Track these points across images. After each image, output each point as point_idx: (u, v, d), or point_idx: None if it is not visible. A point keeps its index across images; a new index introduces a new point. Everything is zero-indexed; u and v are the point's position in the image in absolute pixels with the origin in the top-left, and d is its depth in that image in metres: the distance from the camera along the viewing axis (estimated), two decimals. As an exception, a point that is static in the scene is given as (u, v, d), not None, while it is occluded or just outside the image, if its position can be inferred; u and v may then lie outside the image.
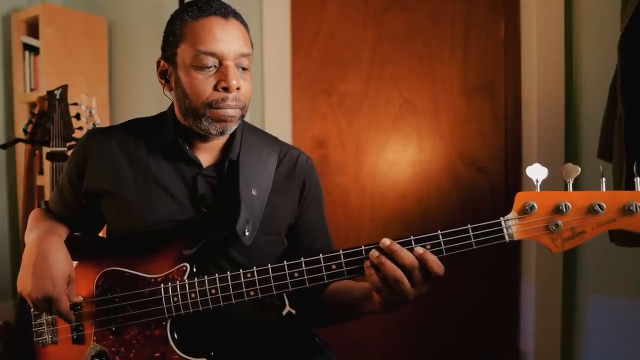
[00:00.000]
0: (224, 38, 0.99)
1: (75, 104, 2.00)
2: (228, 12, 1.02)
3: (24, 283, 0.99)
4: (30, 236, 1.07)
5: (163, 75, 1.08)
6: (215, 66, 1.00)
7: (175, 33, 1.03)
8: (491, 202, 2.09)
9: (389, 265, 0.87)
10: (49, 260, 0.99)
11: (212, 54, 0.99)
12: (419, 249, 0.88)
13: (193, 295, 0.98)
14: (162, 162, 1.09)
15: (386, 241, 0.89)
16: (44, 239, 1.03)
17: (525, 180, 1.98)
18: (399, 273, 0.87)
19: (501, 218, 0.87)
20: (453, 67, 2.12)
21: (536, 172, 0.86)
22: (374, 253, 0.89)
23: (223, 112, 1.01)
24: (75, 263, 1.05)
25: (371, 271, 0.89)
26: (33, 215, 1.18)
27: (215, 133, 1.04)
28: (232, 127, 1.05)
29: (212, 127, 1.03)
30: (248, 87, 1.04)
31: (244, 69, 1.03)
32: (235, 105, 1.02)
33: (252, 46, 1.06)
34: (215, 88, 1.00)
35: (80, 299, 1.03)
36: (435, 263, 0.88)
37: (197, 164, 1.09)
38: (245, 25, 1.06)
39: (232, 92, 1.00)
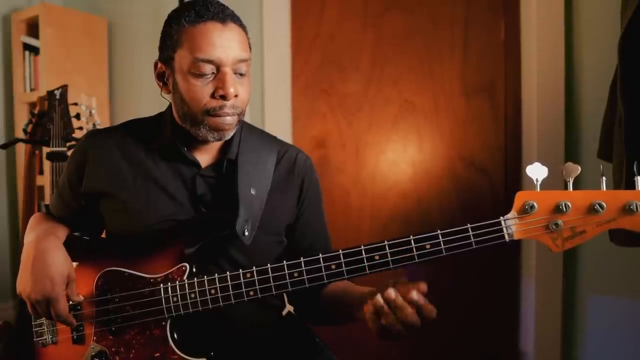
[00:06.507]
0: (222, 44, 0.98)
1: (75, 104, 2.00)
2: (226, 17, 1.00)
3: (24, 284, 0.99)
4: (28, 238, 1.07)
5: (160, 77, 1.08)
6: (213, 73, 0.99)
7: (172, 37, 1.01)
8: (491, 202, 2.09)
9: (391, 317, 0.86)
10: (47, 260, 0.99)
11: (210, 61, 0.98)
12: (414, 296, 0.86)
13: (193, 295, 0.97)
14: (161, 163, 1.09)
15: (391, 294, 0.87)
16: (41, 239, 1.03)
17: (525, 180, 1.98)
18: (399, 326, 0.86)
19: (501, 218, 0.87)
20: (453, 67, 2.12)
21: (536, 172, 0.85)
22: (380, 302, 0.87)
23: (221, 120, 1.01)
24: (75, 264, 1.04)
25: (373, 317, 0.88)
26: (33, 219, 1.17)
27: (212, 140, 1.04)
28: (230, 133, 1.05)
29: (210, 135, 1.03)
30: (245, 93, 1.04)
31: (241, 74, 1.02)
32: (233, 112, 1.02)
33: (250, 49, 1.05)
34: (212, 95, 1.00)
35: (81, 298, 1.03)
36: (429, 312, 0.87)
37: (196, 164, 1.09)
38: (244, 28, 1.05)
39: (229, 100, 1.00)
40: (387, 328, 0.87)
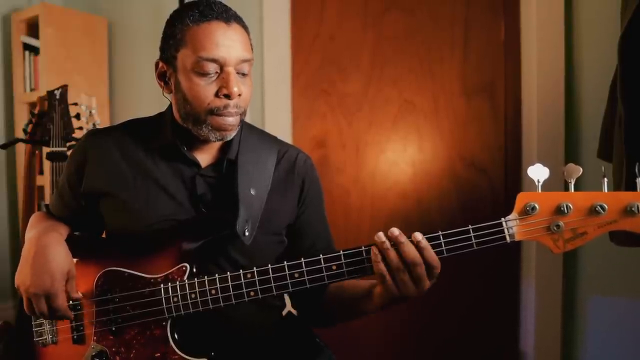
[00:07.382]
0: (226, 44, 0.98)
1: (75, 104, 2.00)
2: (230, 17, 1.01)
3: (23, 278, 0.99)
4: (29, 234, 1.06)
5: (162, 76, 1.07)
6: (216, 72, 0.99)
7: (175, 37, 1.01)
8: (491, 202, 2.08)
9: (393, 253, 0.89)
10: (48, 256, 0.99)
11: (214, 61, 0.98)
12: (418, 235, 0.89)
13: (193, 295, 0.97)
14: (161, 163, 1.09)
15: (394, 231, 0.90)
16: (43, 235, 1.03)
17: (525, 181, 1.98)
18: (401, 264, 0.89)
19: (502, 219, 0.88)
20: (453, 67, 2.12)
21: (537, 173, 0.85)
22: (381, 238, 0.90)
23: (224, 120, 1.01)
24: (75, 261, 1.04)
25: (378, 258, 0.90)
26: (33, 217, 1.17)
27: (214, 140, 1.04)
28: (232, 134, 1.05)
29: (212, 135, 1.03)
30: (248, 92, 1.04)
31: (244, 74, 1.02)
32: (236, 112, 1.02)
33: (252, 50, 1.05)
34: (216, 95, 1.00)
35: (80, 295, 1.03)
36: (431, 257, 0.89)
37: (196, 164, 1.09)
38: (246, 29, 1.05)
39: (233, 99, 1.00)
40: (395, 280, 0.90)
